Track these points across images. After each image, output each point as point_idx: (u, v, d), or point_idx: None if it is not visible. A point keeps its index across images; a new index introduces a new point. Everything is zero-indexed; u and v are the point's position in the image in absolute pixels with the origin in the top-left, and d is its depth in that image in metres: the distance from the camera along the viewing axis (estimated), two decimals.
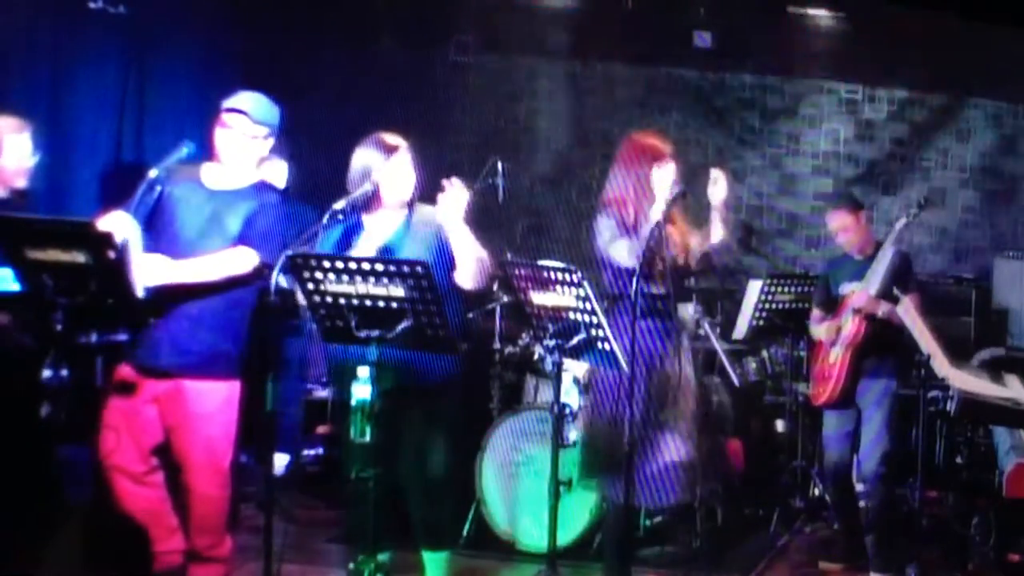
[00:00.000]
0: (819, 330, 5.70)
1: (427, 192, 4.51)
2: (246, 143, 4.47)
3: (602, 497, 4.99)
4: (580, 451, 4.80)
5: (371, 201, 4.39)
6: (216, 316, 4.41)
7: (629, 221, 4.64)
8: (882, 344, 5.43)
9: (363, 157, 4.39)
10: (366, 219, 4.43)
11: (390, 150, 4.39)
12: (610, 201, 4.72)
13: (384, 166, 4.36)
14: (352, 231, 4.41)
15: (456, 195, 4.22)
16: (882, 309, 5.36)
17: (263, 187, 4.56)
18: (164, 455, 4.54)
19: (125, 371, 4.49)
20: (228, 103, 4.47)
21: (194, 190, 4.48)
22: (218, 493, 4.52)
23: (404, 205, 4.45)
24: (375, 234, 4.40)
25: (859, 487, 5.82)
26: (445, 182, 4.23)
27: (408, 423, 4.35)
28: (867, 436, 5.49)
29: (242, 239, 4.40)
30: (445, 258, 4.36)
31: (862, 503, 5.66)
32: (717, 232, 4.72)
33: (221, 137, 4.47)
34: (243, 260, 4.37)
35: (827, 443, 5.72)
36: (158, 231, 4.42)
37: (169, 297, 4.35)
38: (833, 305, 5.67)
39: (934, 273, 7.36)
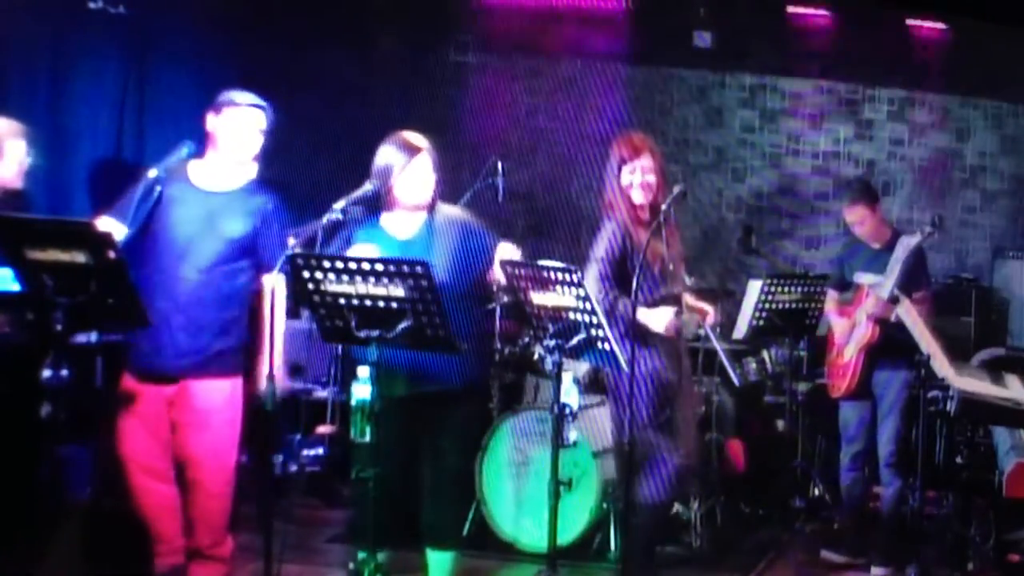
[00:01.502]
0: (834, 322, 5.78)
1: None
2: (257, 138, 4.54)
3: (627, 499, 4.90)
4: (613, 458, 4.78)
5: (388, 201, 4.38)
6: (215, 316, 4.45)
7: (623, 223, 4.67)
8: (896, 343, 5.45)
9: (385, 156, 4.38)
10: (384, 219, 4.43)
11: (412, 151, 4.38)
12: (606, 205, 4.78)
13: (405, 167, 4.35)
14: (367, 229, 4.42)
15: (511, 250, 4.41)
16: (894, 314, 5.39)
17: (258, 190, 4.59)
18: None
19: (130, 376, 4.53)
20: (243, 98, 4.52)
21: (187, 191, 4.51)
22: (223, 490, 4.57)
23: (425, 207, 4.45)
24: (394, 235, 4.40)
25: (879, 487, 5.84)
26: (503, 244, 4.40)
27: (427, 425, 4.38)
28: (885, 428, 5.58)
29: (261, 264, 4.51)
30: (469, 258, 4.39)
31: (873, 501, 5.71)
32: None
33: (231, 131, 4.51)
34: (281, 290, 4.49)
35: (845, 434, 5.75)
36: (153, 234, 4.45)
37: (167, 302, 4.41)
38: (847, 287, 5.77)
39: (934, 273, 7.35)
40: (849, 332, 5.63)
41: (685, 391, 4.81)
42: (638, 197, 4.70)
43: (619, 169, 4.72)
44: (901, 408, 5.56)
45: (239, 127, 4.52)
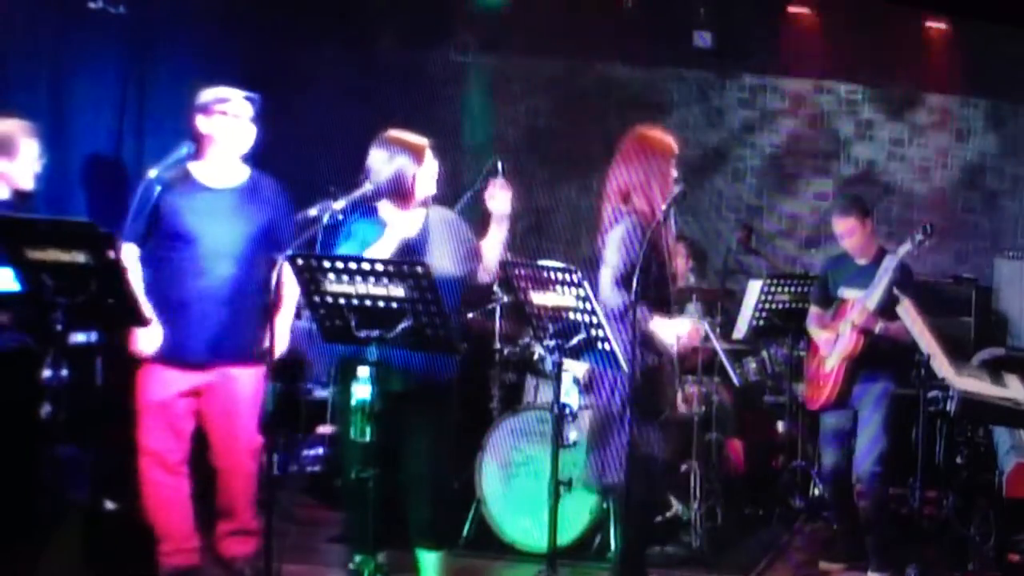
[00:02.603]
0: (816, 333, 5.71)
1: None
2: (251, 129, 4.70)
3: (612, 496, 4.85)
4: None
5: (398, 198, 4.41)
6: (248, 306, 4.63)
7: (649, 220, 4.47)
8: (878, 355, 5.43)
9: (392, 158, 4.38)
10: (388, 215, 4.45)
11: (420, 151, 4.43)
12: (614, 193, 4.56)
13: (417, 171, 4.40)
14: (369, 228, 4.42)
15: (506, 190, 4.42)
16: (879, 326, 5.35)
17: (263, 180, 4.78)
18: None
19: (156, 366, 4.64)
20: (231, 94, 4.67)
21: (201, 193, 4.67)
22: (255, 469, 4.83)
23: (424, 203, 4.48)
24: (399, 231, 4.42)
25: (858, 487, 5.82)
26: (492, 180, 4.42)
27: (406, 424, 4.37)
28: (864, 437, 5.48)
29: (280, 250, 4.61)
30: (461, 255, 4.44)
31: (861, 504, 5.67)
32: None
33: (227, 129, 4.65)
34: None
35: (824, 444, 5.72)
36: (180, 236, 4.59)
37: (204, 300, 4.58)
38: (830, 303, 5.68)
39: (934, 273, 7.35)
40: (832, 344, 5.55)
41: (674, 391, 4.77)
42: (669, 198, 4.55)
43: (669, 165, 4.56)
44: (881, 417, 5.44)
45: (234, 124, 4.67)
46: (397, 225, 4.38)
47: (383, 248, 4.30)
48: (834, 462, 5.64)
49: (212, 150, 4.70)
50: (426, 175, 4.44)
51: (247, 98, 4.71)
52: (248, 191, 4.73)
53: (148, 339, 4.61)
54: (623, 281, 4.37)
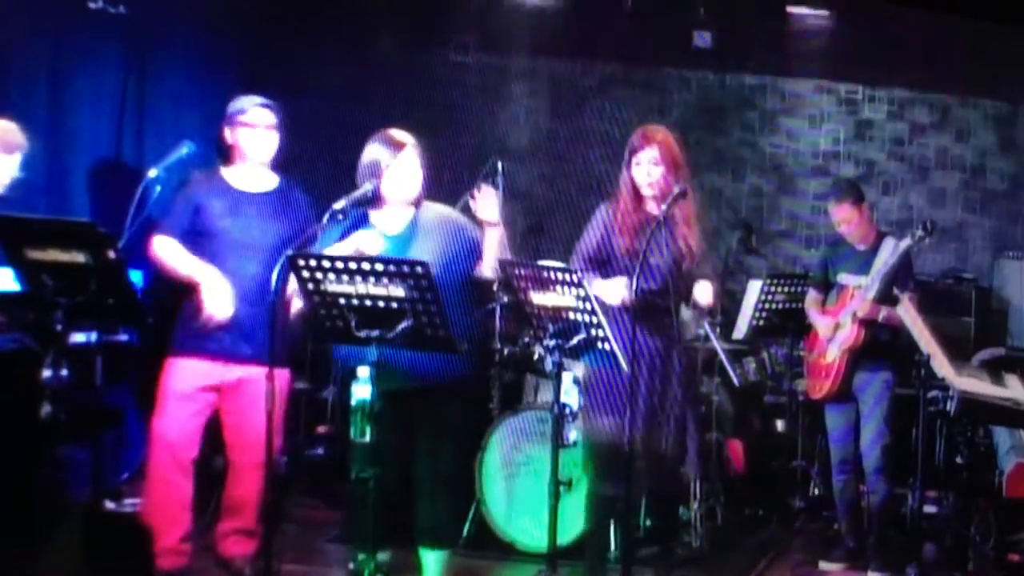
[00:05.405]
0: (817, 320, 5.72)
1: (431, 191, 4.52)
2: (274, 137, 4.75)
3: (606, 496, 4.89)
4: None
5: (377, 198, 4.41)
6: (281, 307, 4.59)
7: (612, 212, 4.69)
8: (880, 345, 5.44)
9: (371, 153, 4.42)
10: (373, 215, 4.45)
11: (397, 146, 4.41)
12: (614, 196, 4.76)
13: (391, 162, 4.38)
14: (357, 228, 4.42)
15: (491, 196, 4.36)
16: (881, 315, 5.36)
17: (294, 187, 4.85)
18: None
19: (182, 359, 4.64)
20: (250, 103, 4.73)
21: (235, 195, 4.72)
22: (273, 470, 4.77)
23: (412, 203, 4.46)
24: (383, 231, 4.41)
25: (863, 486, 5.83)
26: (475, 191, 4.38)
27: (418, 422, 4.37)
28: (868, 431, 5.50)
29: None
30: (458, 255, 4.41)
31: (863, 503, 5.68)
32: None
33: (250, 139, 4.72)
34: None
35: (831, 438, 5.73)
36: (215, 236, 4.64)
37: (238, 300, 4.57)
38: (829, 286, 5.71)
39: (934, 273, 7.35)
40: (832, 332, 5.58)
41: (673, 389, 4.78)
42: (645, 190, 4.68)
43: (628, 159, 4.70)
44: (884, 410, 5.46)
45: (256, 134, 4.73)
46: (379, 227, 4.37)
47: (344, 248, 4.29)
48: (842, 458, 5.65)
49: (239, 159, 4.78)
50: (402, 169, 4.40)
51: (265, 105, 4.75)
52: (278, 196, 4.78)
53: (218, 300, 4.56)
54: (580, 256, 4.69)
